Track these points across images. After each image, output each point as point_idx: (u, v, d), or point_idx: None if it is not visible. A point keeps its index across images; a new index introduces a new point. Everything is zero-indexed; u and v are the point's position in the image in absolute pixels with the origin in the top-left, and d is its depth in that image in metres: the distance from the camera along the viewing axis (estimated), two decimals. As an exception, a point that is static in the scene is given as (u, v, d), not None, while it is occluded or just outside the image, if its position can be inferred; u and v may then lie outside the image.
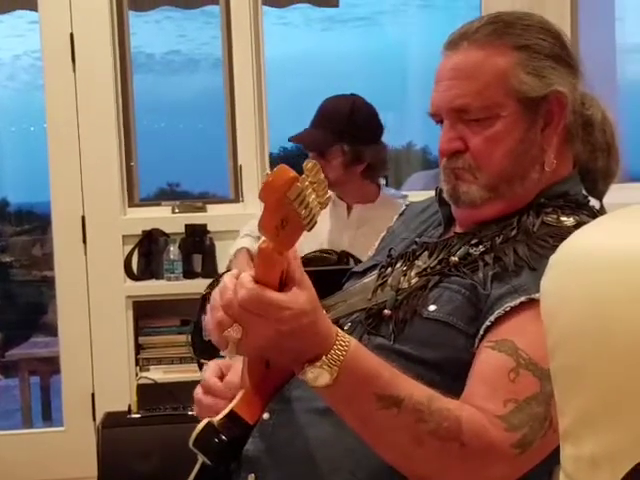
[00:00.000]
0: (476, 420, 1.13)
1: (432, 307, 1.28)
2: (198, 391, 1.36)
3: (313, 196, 1.01)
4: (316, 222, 1.02)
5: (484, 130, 1.35)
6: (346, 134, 2.98)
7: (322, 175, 1.03)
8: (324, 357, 1.08)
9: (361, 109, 3.05)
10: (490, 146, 1.36)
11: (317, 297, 1.10)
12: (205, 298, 3.28)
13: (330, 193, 1.05)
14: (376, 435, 1.14)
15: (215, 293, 1.11)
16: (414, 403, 1.11)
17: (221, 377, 1.35)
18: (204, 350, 2.84)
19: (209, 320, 1.11)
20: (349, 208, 3.09)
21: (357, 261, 2.80)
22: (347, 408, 1.13)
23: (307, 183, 1.00)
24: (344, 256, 2.78)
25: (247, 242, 3.22)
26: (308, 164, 1.01)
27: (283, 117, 4.45)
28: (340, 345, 1.09)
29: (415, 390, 1.12)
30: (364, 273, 1.48)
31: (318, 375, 1.08)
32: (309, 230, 1.02)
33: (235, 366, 1.37)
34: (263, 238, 1.05)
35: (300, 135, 3.08)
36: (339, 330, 1.11)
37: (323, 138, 2.97)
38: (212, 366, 1.38)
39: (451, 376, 1.22)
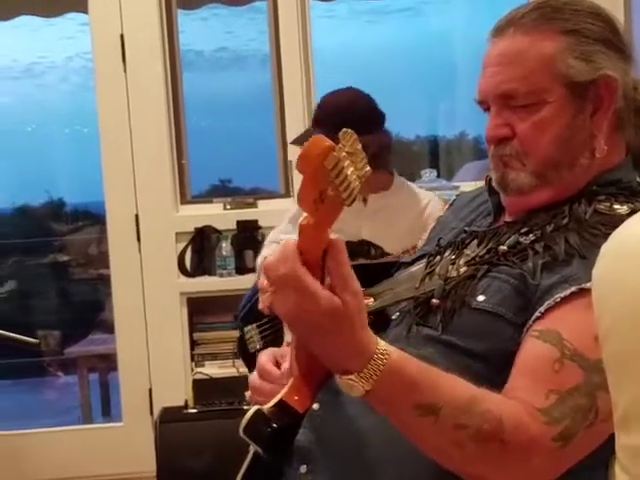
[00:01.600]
0: (517, 416, 1.12)
1: (481, 297, 1.27)
2: (254, 377, 1.36)
3: (352, 168, 0.98)
4: (356, 197, 0.98)
5: (531, 116, 1.34)
6: (354, 126, 2.94)
7: (359, 145, 1.00)
8: (357, 374, 1.07)
9: (359, 100, 3.05)
10: (537, 132, 1.34)
11: (360, 314, 1.07)
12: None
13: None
14: (416, 438, 1.14)
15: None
16: (453, 409, 1.10)
17: (277, 364, 1.36)
18: (252, 361, 2.84)
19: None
20: (364, 199, 3.08)
21: (377, 249, 2.79)
22: (385, 413, 1.13)
23: (344, 153, 0.97)
24: (365, 244, 2.78)
25: (273, 250, 3.20)
26: (343, 133, 0.99)
27: (332, 111, 4.43)
28: (378, 359, 1.07)
29: (455, 394, 1.11)
30: (412, 263, 1.47)
31: (352, 386, 1.08)
32: (349, 205, 0.99)
33: (287, 356, 1.38)
34: (304, 214, 1.03)
35: (301, 137, 3.08)
36: (380, 342, 1.10)
37: (325, 134, 2.93)
38: (267, 353, 1.39)
39: (498, 367, 1.21)
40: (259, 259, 3.31)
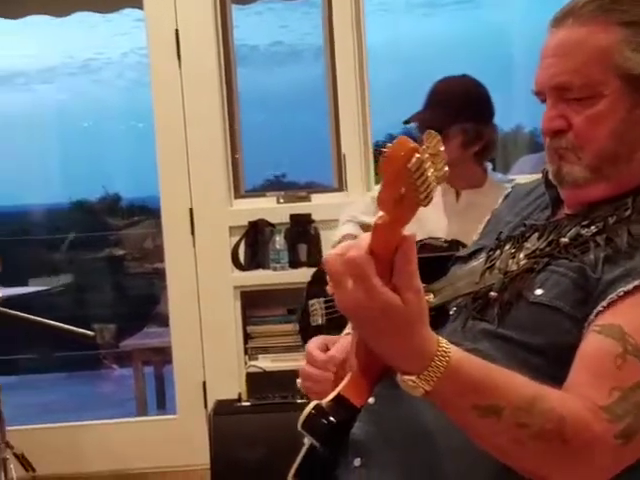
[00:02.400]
0: (579, 414, 1.10)
1: (539, 291, 1.25)
2: (303, 362, 1.37)
3: (432, 170, 0.98)
4: (432, 198, 0.99)
5: (586, 109, 1.32)
6: (465, 113, 2.92)
7: (442, 147, 1.00)
8: (417, 375, 1.06)
9: (476, 88, 3.01)
10: (592, 126, 1.32)
11: (421, 313, 1.06)
12: (311, 284, 3.29)
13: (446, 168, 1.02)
14: (476, 437, 1.13)
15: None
16: (515, 409, 1.08)
17: (325, 350, 1.36)
18: (311, 336, 2.85)
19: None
20: (457, 194, 3.04)
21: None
22: (445, 412, 1.12)
23: (427, 155, 0.98)
24: (454, 244, 2.74)
25: (351, 228, 3.18)
26: (428, 135, 0.99)
27: (386, 104, 4.42)
28: (439, 360, 1.06)
29: (517, 393, 1.10)
30: (469, 257, 1.46)
31: (413, 387, 1.07)
32: (425, 206, 0.99)
33: (341, 341, 1.38)
34: (380, 213, 1.02)
35: (416, 116, 3.02)
36: (441, 342, 1.08)
37: (442, 117, 2.90)
38: (317, 339, 1.39)
39: (556, 361, 1.19)
40: (335, 238, 3.23)
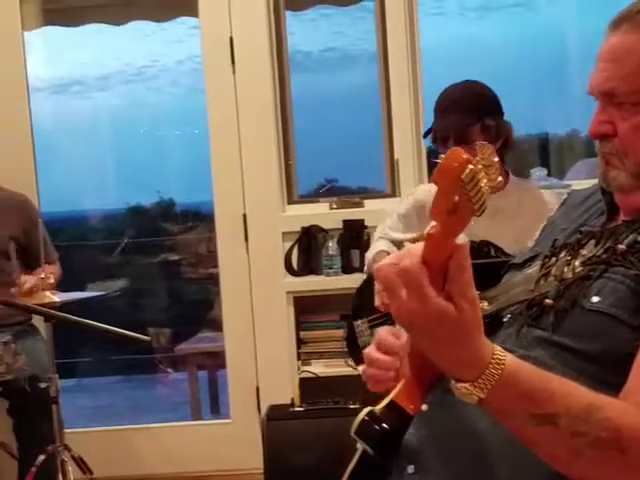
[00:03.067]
0: (636, 423, 1.08)
1: (595, 299, 1.24)
2: (371, 348, 1.35)
3: (485, 180, 0.99)
4: (486, 207, 0.99)
5: (632, 116, 1.30)
6: (483, 110, 2.93)
7: (495, 157, 1.01)
8: (471, 383, 1.05)
9: (482, 87, 3.03)
10: (636, 133, 1.30)
11: (476, 321, 1.05)
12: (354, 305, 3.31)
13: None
14: (531, 445, 1.11)
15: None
16: (571, 418, 1.07)
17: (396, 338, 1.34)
18: (360, 355, 2.86)
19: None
20: None
21: (497, 249, 2.73)
22: (499, 420, 1.11)
23: (480, 166, 0.98)
24: (484, 245, 2.73)
25: (383, 245, 3.20)
26: (481, 146, 0.99)
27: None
28: (493, 368, 1.06)
29: (574, 402, 1.08)
30: (523, 264, 1.44)
31: (467, 394, 1.06)
32: (479, 215, 0.99)
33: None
34: (433, 223, 1.03)
35: (432, 127, 3.04)
36: (496, 349, 1.08)
37: (460, 121, 2.91)
38: (387, 328, 1.38)
39: (612, 369, 1.18)
40: (369, 254, 3.27)
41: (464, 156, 0.97)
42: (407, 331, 1.11)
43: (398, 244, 3.17)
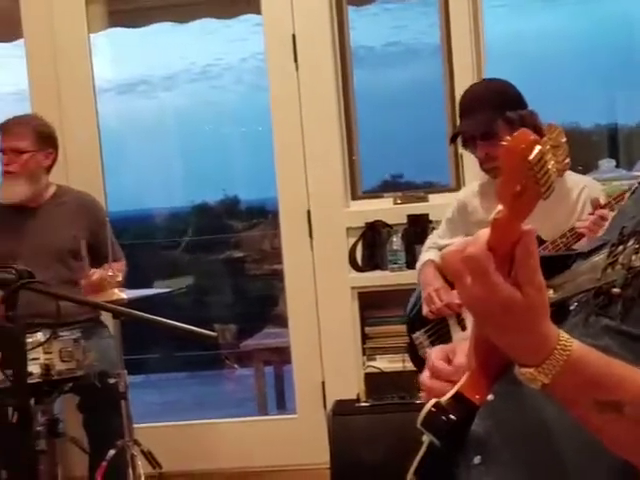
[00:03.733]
0: None
1: None
2: (425, 375, 1.35)
3: (552, 162, 0.97)
4: (553, 190, 0.97)
5: None
6: (504, 104, 2.94)
7: (563, 138, 0.99)
8: (536, 368, 1.04)
9: (499, 83, 3.04)
10: None
11: (542, 308, 1.04)
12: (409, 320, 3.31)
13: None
14: (597, 433, 1.10)
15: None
16: (636, 406, 1.05)
17: (448, 361, 1.34)
18: (423, 365, 2.86)
19: None
20: None
21: (540, 241, 2.70)
22: (564, 406, 1.09)
23: (548, 147, 0.96)
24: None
25: (432, 254, 3.20)
26: (549, 127, 0.97)
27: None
28: (558, 354, 1.04)
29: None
30: (590, 253, 1.42)
31: (531, 379, 1.05)
32: (545, 199, 0.97)
33: (460, 348, 1.35)
34: (499, 207, 1.01)
35: (457, 130, 3.06)
36: (562, 335, 1.06)
37: (483, 120, 2.92)
38: (437, 350, 1.37)
39: None
40: (418, 265, 3.28)
41: (532, 137, 0.95)
42: (473, 317, 1.11)
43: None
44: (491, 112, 2.92)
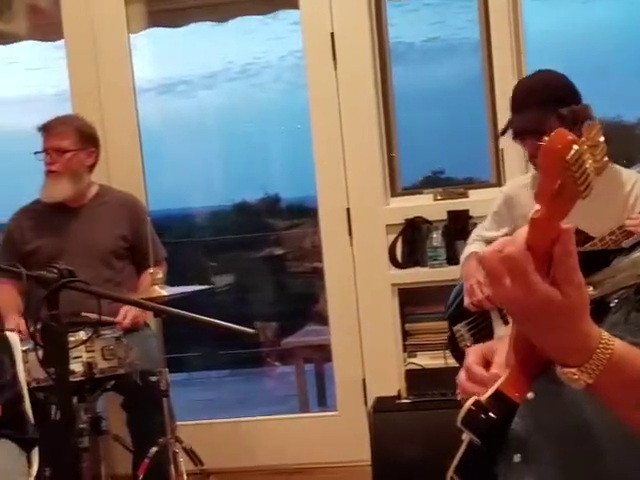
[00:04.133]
0: None
1: None
2: (462, 376, 1.34)
3: (590, 161, 0.96)
4: (592, 189, 0.97)
5: None
6: (557, 99, 2.89)
7: (601, 137, 0.98)
8: (578, 369, 1.03)
9: (553, 76, 2.99)
10: None
11: (582, 307, 1.03)
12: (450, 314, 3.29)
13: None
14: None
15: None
16: None
17: (484, 364, 1.32)
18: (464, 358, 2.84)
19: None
20: None
21: (580, 233, 2.66)
22: (607, 406, 1.08)
23: (586, 147, 0.96)
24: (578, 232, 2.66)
25: (477, 246, 3.19)
26: (587, 126, 0.97)
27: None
28: (601, 353, 1.03)
29: None
30: (631, 249, 1.40)
31: (574, 380, 1.04)
32: (584, 198, 0.97)
33: (499, 350, 1.34)
34: (536, 207, 1.01)
35: (508, 125, 3.01)
36: (603, 335, 1.05)
37: (536, 114, 2.87)
38: (475, 352, 1.35)
39: None
40: (462, 257, 3.27)
41: (569, 137, 0.95)
42: (512, 318, 1.10)
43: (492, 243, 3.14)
44: (543, 108, 2.87)
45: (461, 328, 3.22)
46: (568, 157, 0.94)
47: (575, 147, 0.95)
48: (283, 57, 5.49)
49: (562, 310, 1.01)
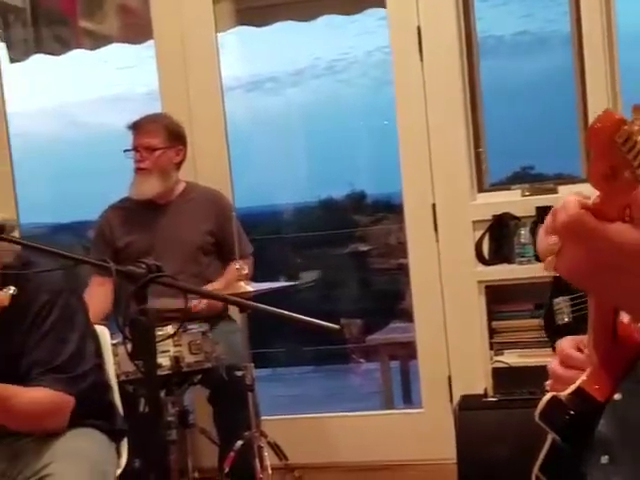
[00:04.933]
0: None
1: None
2: (555, 363, 1.30)
3: None
4: None
5: None
6: None
7: None
8: None
9: None
10: None
11: None
12: (555, 282, 3.19)
13: None
14: None
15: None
16: None
17: (579, 351, 1.29)
18: (557, 334, 2.76)
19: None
20: None
21: None
22: None
23: (637, 127, 0.92)
24: None
25: None
26: (635, 107, 0.93)
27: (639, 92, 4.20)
28: None
29: None
30: None
31: None
32: None
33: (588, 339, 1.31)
34: (595, 194, 0.97)
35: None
36: None
37: None
38: (568, 339, 1.32)
39: None
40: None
41: (617, 116, 0.92)
42: (588, 289, 1.04)
43: None
44: None
45: (562, 301, 3.13)
46: (616, 136, 0.90)
47: (624, 127, 0.91)
48: (370, 53, 5.48)
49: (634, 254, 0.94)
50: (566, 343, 1.29)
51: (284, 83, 5.77)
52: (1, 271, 2.24)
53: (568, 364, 1.25)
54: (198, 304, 3.46)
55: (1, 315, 2.01)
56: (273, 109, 6.14)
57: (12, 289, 2.03)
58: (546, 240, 1.00)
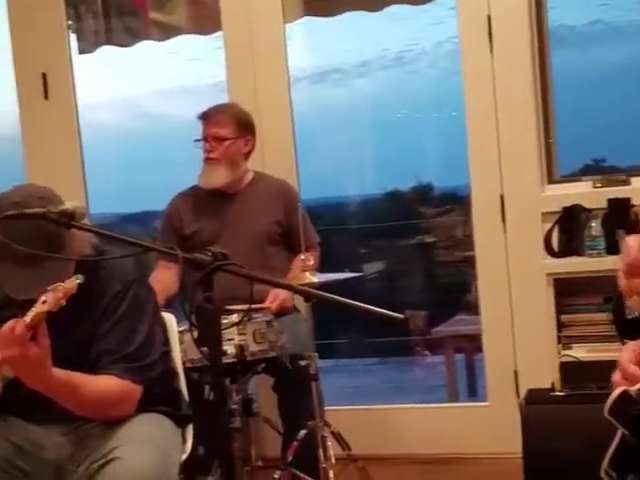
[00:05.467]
0: None
1: None
2: (617, 376, 1.28)
3: None
4: None
5: None
6: None
7: None
8: None
9: None
10: None
11: None
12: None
13: None
14: None
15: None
16: None
17: (638, 362, 1.26)
18: (626, 329, 2.71)
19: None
20: None
21: None
22: None
23: None
24: None
25: None
26: None
27: None
28: None
29: None
30: None
31: None
32: None
33: None
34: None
35: None
36: None
37: None
38: (628, 349, 1.30)
39: None
40: None
41: None
42: None
43: None
44: None
45: None
46: None
47: None
48: (439, 43, 5.44)
49: None
50: (626, 355, 1.27)
51: (351, 74, 5.76)
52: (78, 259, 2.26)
53: (627, 379, 1.24)
54: (271, 305, 3.48)
55: (71, 303, 2.03)
56: (340, 100, 6.13)
57: (80, 277, 2.04)
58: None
